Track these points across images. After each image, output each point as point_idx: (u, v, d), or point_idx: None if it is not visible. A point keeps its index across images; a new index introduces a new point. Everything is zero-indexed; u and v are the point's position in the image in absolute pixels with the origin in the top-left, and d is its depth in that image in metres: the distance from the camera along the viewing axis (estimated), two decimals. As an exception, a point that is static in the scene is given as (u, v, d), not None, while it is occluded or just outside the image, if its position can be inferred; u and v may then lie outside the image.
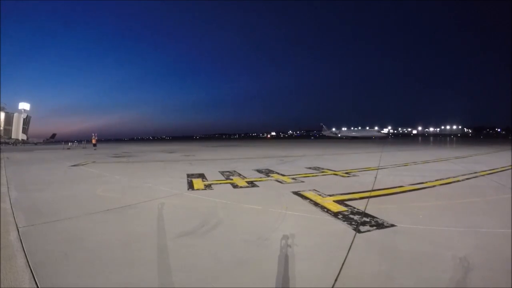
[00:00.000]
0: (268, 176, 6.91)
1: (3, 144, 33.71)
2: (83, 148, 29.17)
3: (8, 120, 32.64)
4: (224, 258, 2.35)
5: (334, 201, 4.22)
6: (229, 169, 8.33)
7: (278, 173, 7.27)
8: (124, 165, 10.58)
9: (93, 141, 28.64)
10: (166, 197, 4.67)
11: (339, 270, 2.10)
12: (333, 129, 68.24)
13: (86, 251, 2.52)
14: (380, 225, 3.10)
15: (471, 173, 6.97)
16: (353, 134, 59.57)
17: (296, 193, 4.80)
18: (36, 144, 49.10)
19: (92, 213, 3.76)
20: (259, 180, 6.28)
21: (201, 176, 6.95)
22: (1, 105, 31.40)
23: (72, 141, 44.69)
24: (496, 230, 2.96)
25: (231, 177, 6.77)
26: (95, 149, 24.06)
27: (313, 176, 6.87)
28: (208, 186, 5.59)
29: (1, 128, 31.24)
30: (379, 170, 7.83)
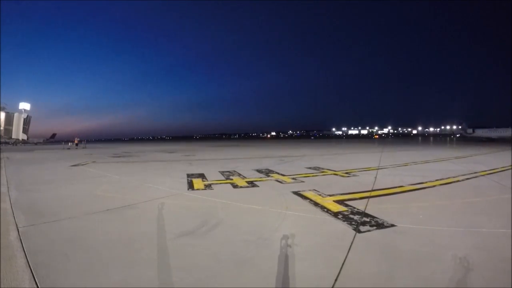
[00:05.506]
0: (268, 176, 6.90)
1: (3, 144, 33.70)
2: (83, 148, 29.45)
3: (9, 120, 32.54)
4: (224, 258, 2.34)
5: (334, 201, 4.22)
6: (229, 169, 8.33)
7: (278, 173, 7.27)
8: (124, 165, 10.58)
9: (75, 141, 33.63)
10: (166, 197, 4.67)
11: (339, 270, 2.10)
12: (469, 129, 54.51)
13: (86, 251, 2.52)
14: (380, 225, 3.09)
15: (471, 173, 6.97)
16: (488, 134, 49.14)
17: (296, 193, 4.80)
18: (36, 144, 49.01)
19: (92, 213, 3.76)
20: (259, 180, 6.28)
21: (201, 176, 6.95)
22: (1, 105, 31.31)
23: (72, 141, 44.65)
24: (496, 230, 2.96)
25: (231, 177, 6.76)
26: (76, 148, 28.25)
27: (313, 176, 6.87)
28: (208, 186, 5.59)
29: (2, 128, 31.16)
30: (379, 170, 7.83)
